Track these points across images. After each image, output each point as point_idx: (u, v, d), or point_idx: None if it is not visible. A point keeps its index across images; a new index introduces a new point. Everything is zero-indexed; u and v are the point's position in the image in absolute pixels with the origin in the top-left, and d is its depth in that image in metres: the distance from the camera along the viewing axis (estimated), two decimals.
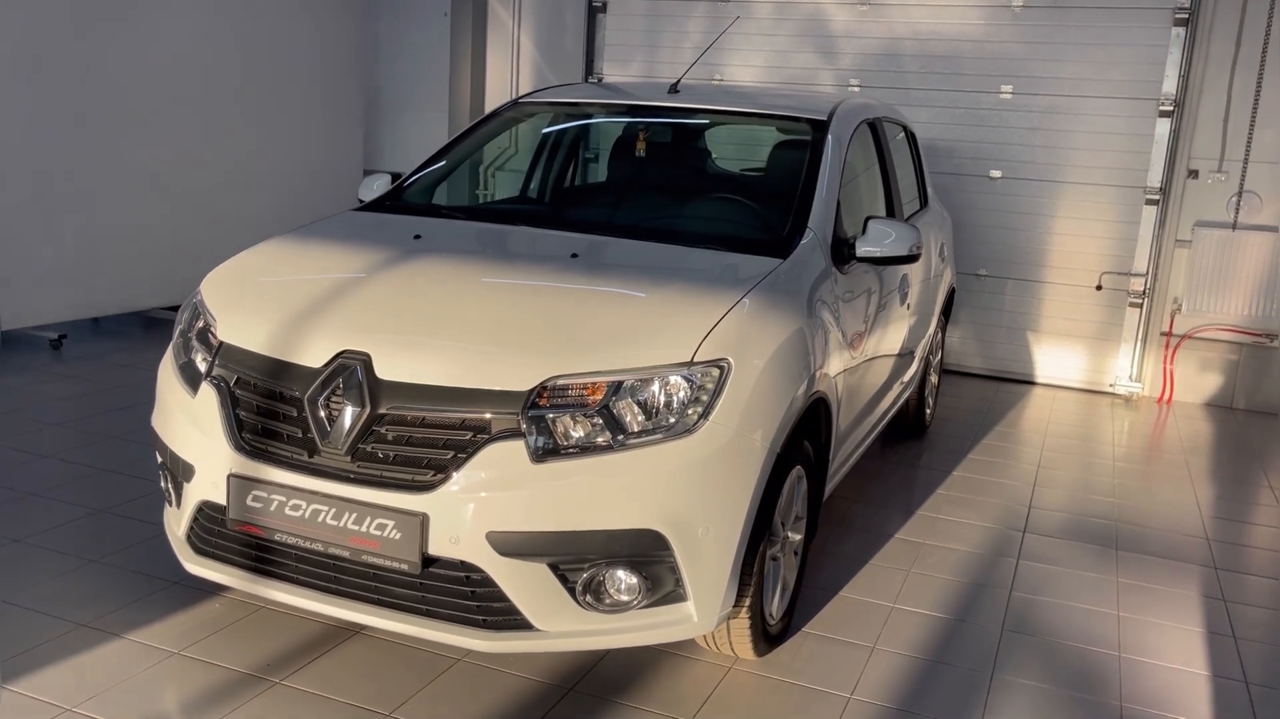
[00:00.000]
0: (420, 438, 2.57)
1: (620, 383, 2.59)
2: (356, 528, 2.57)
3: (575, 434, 2.55)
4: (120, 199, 6.33)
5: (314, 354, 2.70)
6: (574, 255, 3.15)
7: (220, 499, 2.73)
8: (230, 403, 2.77)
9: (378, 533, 2.56)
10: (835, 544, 4.01)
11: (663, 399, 2.61)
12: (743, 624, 2.89)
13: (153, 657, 2.89)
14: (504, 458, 2.52)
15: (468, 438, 2.54)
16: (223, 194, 6.93)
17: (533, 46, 8.06)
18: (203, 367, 2.89)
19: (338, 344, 2.69)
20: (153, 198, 6.52)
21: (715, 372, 2.66)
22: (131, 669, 2.82)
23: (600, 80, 7.87)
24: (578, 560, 2.56)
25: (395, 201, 3.89)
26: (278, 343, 2.76)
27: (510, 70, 8.14)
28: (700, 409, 2.62)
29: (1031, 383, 7.09)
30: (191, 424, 2.82)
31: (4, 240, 5.75)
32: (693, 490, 2.59)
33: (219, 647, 2.96)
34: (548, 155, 4.61)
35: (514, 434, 2.53)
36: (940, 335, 5.66)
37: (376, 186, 4.03)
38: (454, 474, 2.52)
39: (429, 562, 2.55)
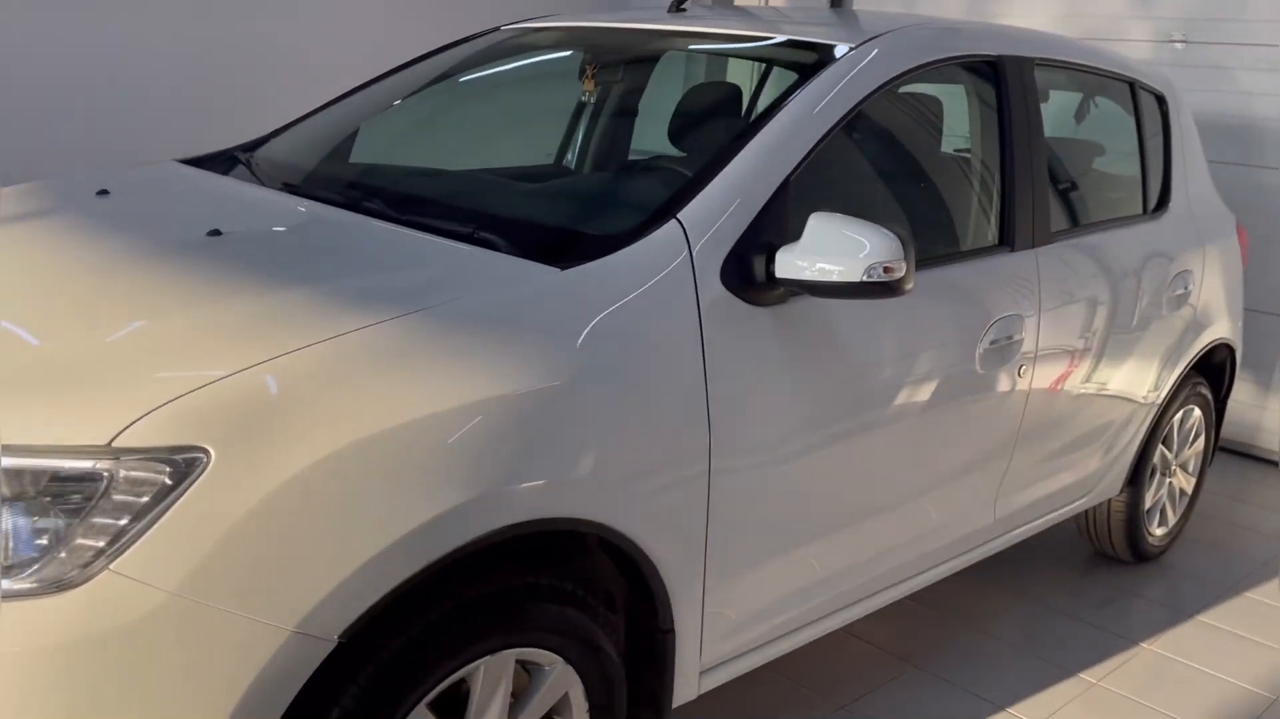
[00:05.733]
0: None
1: None
2: None
3: None
4: None
5: None
6: (214, 233, 1.94)
7: None
8: None
9: None
10: None
11: (23, 515, 1.37)
12: None
13: None
14: None
15: None
16: None
17: None
18: None
19: None
20: None
21: (163, 471, 1.38)
22: None
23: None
24: None
25: (249, 153, 2.86)
26: None
27: None
28: (106, 540, 1.36)
29: None
30: None
31: None
32: (51, 710, 1.34)
33: None
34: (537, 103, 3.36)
35: None
36: (1205, 417, 3.64)
37: None
38: None
39: None
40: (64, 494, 1.37)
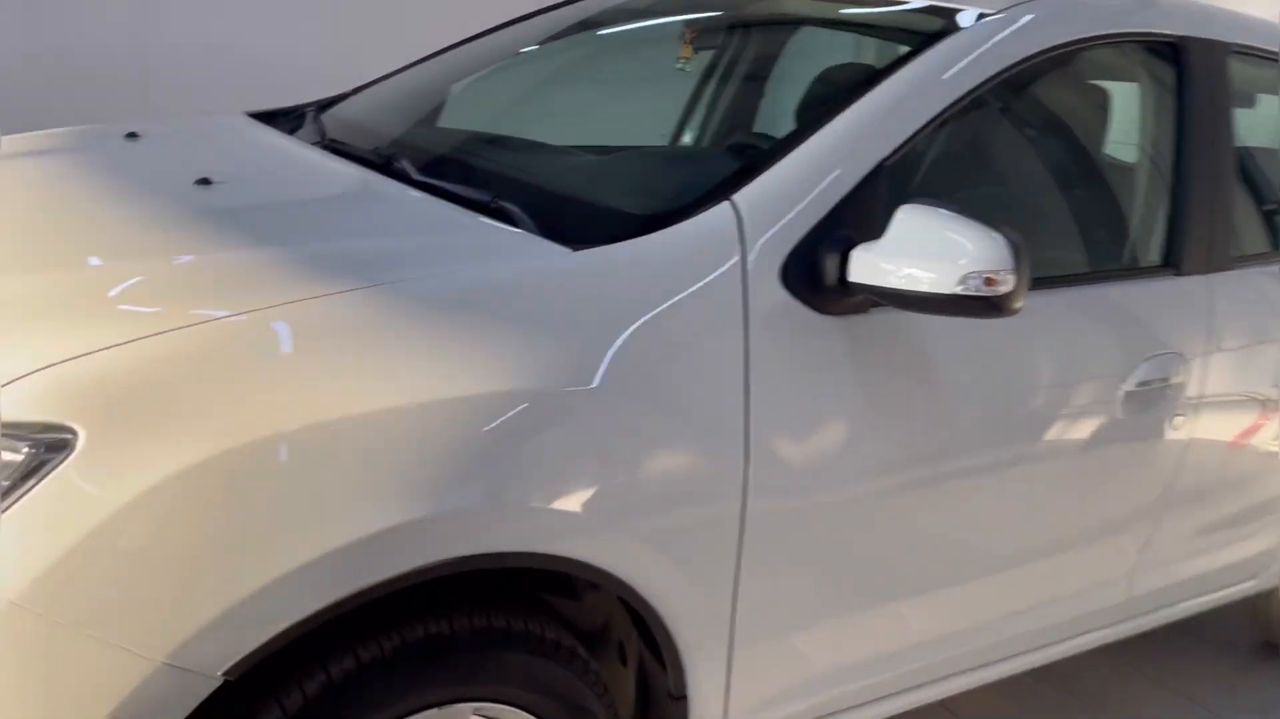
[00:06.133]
0: None
1: None
2: None
3: None
4: None
5: None
6: (203, 181, 1.70)
7: None
8: None
9: None
10: None
11: None
12: None
13: None
14: None
15: None
16: None
17: None
18: None
19: None
20: None
21: (20, 451, 1.14)
22: None
23: None
24: None
25: (320, 110, 2.66)
26: None
27: None
28: None
29: None
30: None
31: None
32: None
33: None
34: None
35: None
36: None
37: None
38: None
39: None
40: None
